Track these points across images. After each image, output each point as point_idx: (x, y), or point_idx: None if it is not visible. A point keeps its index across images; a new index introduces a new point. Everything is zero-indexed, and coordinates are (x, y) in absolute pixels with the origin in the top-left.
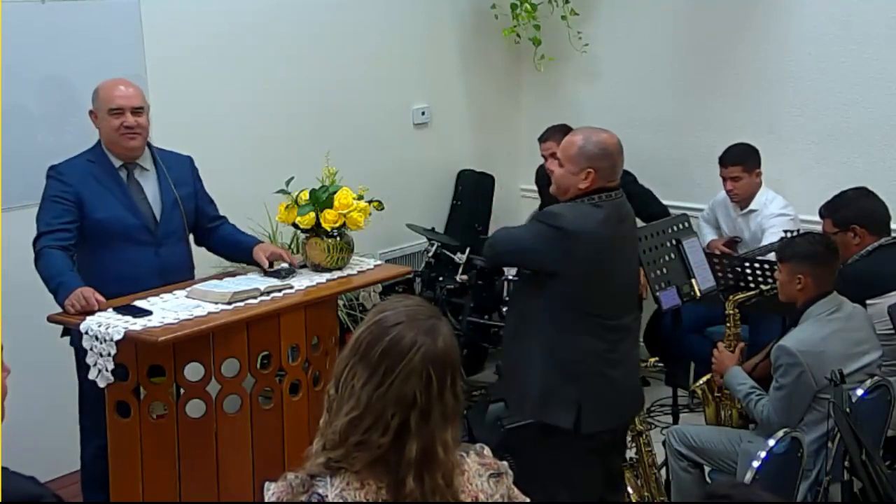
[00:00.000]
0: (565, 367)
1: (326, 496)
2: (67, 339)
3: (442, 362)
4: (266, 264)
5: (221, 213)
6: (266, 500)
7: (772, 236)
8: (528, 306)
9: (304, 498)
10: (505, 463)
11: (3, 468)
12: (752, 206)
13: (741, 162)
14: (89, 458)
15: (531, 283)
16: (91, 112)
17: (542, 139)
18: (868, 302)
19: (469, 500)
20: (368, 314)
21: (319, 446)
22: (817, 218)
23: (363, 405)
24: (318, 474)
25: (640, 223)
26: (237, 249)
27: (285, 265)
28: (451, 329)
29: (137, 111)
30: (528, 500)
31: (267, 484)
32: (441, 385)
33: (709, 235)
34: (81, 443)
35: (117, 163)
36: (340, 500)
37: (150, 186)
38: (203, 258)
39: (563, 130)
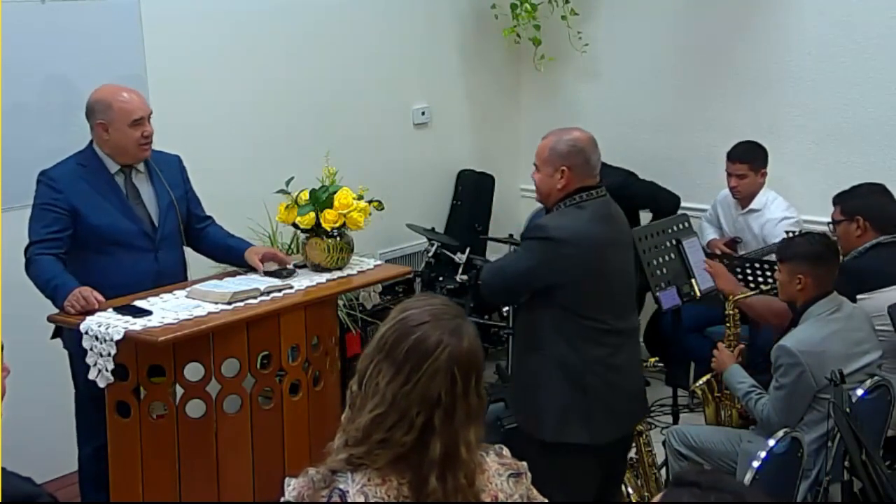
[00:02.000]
0: (576, 380)
1: (348, 492)
2: (59, 341)
3: (467, 362)
4: (261, 267)
5: (219, 213)
6: (287, 495)
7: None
8: (533, 327)
9: (325, 493)
10: (524, 463)
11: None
12: (754, 205)
13: (749, 160)
14: (86, 459)
15: (533, 304)
16: (99, 124)
17: None
18: (858, 297)
19: (489, 499)
20: (393, 311)
21: (341, 442)
22: (817, 217)
23: (387, 403)
24: (340, 470)
25: (648, 219)
26: (229, 253)
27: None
28: (475, 329)
29: (149, 118)
30: (546, 500)
31: (287, 479)
32: (466, 385)
33: (710, 235)
34: (78, 444)
35: (114, 167)
36: (362, 496)
37: (145, 190)
38: (203, 258)
39: None
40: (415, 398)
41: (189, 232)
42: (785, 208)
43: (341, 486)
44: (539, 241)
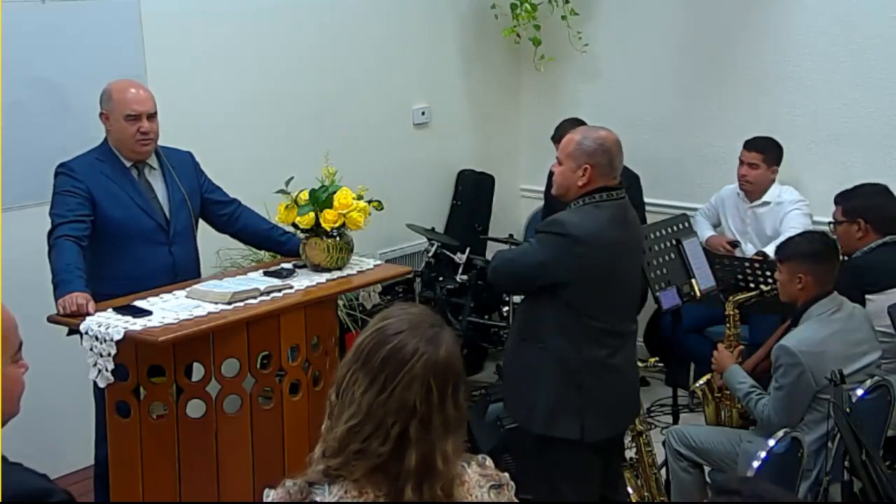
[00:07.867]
0: (572, 377)
1: None
2: (76, 337)
3: (444, 371)
4: None
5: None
6: None
7: (794, 220)
8: (534, 319)
9: None
10: (506, 474)
11: (16, 464)
12: (766, 198)
13: (762, 150)
14: (103, 458)
15: (538, 297)
16: (102, 114)
17: (556, 139)
18: (868, 297)
19: None
20: (372, 321)
21: (320, 453)
22: (818, 218)
23: (363, 412)
24: (317, 482)
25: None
26: (279, 248)
27: (286, 265)
28: (454, 338)
29: (152, 116)
30: None
31: (266, 490)
32: (441, 394)
33: (707, 232)
34: (96, 443)
35: (127, 162)
36: None
37: (158, 185)
38: (203, 258)
39: (574, 125)
40: (390, 407)
41: (217, 219)
42: (798, 195)
43: (317, 499)
44: (555, 235)
